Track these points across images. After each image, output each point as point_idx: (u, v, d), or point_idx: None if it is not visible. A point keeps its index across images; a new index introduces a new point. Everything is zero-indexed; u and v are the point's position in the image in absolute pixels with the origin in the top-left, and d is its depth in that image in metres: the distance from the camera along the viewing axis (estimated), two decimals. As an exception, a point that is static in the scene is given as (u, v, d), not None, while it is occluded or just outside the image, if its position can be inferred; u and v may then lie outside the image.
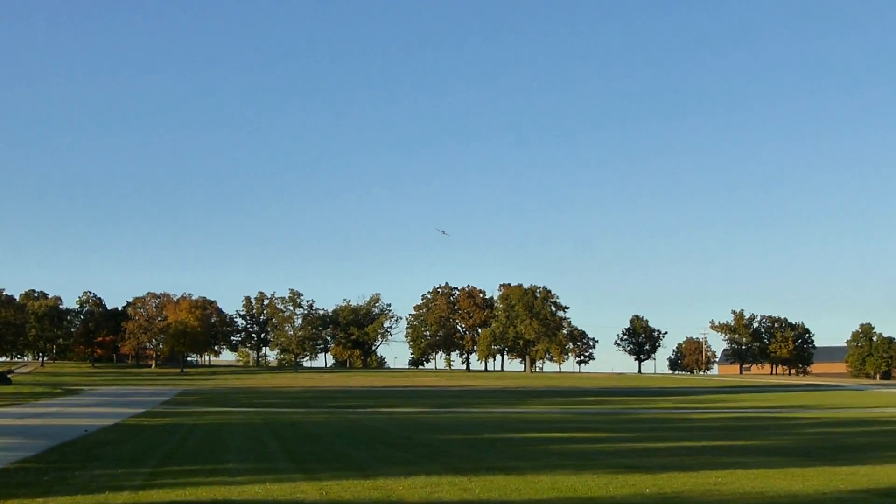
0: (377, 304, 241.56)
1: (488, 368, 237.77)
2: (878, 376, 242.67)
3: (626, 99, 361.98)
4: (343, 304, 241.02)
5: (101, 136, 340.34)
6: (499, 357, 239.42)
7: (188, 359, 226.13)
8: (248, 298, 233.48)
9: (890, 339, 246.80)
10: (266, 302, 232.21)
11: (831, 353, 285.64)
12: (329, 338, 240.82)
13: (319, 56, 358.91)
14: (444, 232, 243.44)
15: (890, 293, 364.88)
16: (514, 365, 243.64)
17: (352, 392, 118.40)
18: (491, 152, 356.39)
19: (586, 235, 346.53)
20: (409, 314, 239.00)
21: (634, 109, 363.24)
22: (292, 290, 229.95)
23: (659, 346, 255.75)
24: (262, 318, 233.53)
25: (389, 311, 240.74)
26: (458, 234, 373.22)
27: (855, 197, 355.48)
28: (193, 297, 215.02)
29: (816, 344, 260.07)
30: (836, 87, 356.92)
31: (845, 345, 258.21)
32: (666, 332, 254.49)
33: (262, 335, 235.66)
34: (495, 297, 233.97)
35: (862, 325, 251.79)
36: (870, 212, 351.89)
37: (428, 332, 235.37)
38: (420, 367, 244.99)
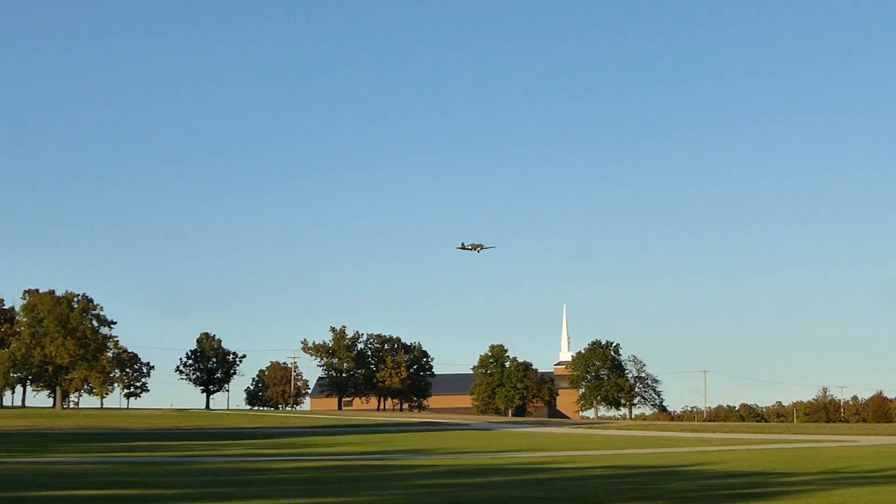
0: None
1: (5, 404, 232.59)
2: (510, 412, 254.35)
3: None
4: None
5: None
6: (19, 389, 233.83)
7: None
8: None
9: (526, 365, 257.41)
10: None
11: (454, 383, 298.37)
12: None
13: None
14: (478, 248, 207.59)
15: (526, 305, 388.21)
16: (41, 399, 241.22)
17: None
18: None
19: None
20: None
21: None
22: None
23: (234, 373, 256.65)
24: None
25: None
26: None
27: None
28: None
29: (436, 371, 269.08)
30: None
31: (471, 372, 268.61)
32: (244, 356, 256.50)
33: None
34: (18, 309, 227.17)
35: (492, 348, 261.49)
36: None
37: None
38: None
